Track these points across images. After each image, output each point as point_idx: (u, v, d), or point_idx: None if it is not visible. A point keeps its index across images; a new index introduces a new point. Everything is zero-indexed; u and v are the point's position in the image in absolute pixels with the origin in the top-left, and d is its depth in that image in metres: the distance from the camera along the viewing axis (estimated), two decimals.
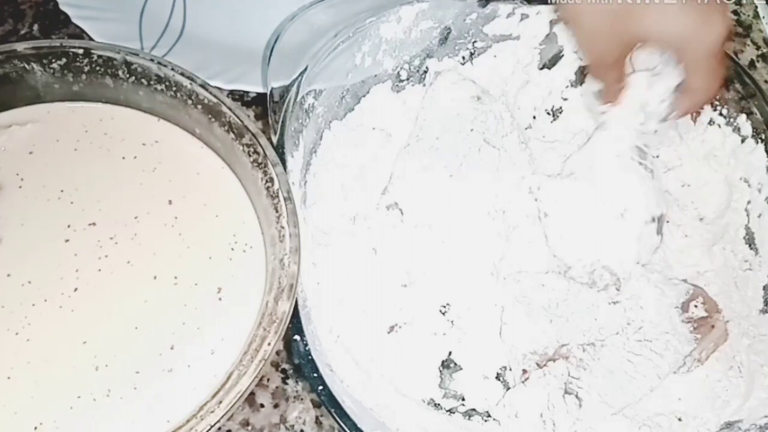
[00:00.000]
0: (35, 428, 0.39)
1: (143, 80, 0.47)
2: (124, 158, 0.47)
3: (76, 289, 0.43)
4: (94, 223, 0.45)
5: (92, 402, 0.40)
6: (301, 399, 0.48)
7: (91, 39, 0.57)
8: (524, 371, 0.47)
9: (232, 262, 0.45)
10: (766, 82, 0.64)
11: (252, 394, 0.47)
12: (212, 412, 0.37)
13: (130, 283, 0.43)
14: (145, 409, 0.40)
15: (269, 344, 0.39)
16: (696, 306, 0.47)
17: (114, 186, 0.46)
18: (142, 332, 0.42)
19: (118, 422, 0.40)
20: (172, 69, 0.46)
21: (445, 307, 0.49)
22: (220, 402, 0.38)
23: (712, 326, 0.46)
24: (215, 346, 0.42)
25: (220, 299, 0.43)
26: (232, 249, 0.45)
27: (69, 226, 0.44)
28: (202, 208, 0.46)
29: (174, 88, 0.47)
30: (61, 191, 0.45)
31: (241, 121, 0.45)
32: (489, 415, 0.47)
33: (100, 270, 0.43)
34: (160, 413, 0.40)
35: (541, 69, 0.56)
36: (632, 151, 0.49)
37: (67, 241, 0.44)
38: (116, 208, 0.45)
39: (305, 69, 0.47)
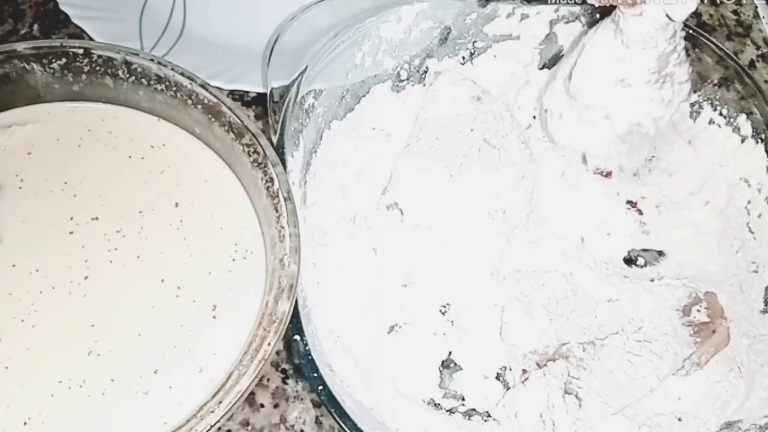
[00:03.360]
0: (24, 423, 0.39)
1: (143, 80, 0.47)
2: (130, 157, 0.47)
3: (86, 277, 0.43)
4: (96, 218, 0.45)
5: (67, 390, 0.40)
6: (301, 399, 0.48)
7: (91, 39, 0.57)
8: (524, 371, 0.47)
9: (230, 274, 0.44)
10: (766, 82, 0.64)
11: (252, 394, 0.47)
12: (212, 412, 0.37)
13: (141, 280, 0.43)
14: (113, 414, 0.40)
15: (269, 344, 0.39)
16: (699, 310, 0.47)
17: (118, 182, 0.46)
18: (141, 341, 0.42)
19: (91, 420, 0.39)
20: (172, 69, 0.46)
21: (445, 307, 0.49)
22: (220, 402, 0.38)
23: (713, 331, 0.46)
24: (204, 363, 0.41)
25: (214, 317, 0.43)
26: (233, 260, 0.45)
27: (72, 219, 0.44)
28: (209, 219, 0.46)
29: (174, 88, 0.47)
30: (65, 183, 0.46)
31: (241, 121, 0.45)
32: (489, 415, 0.47)
33: (111, 261, 0.43)
34: (130, 421, 0.40)
35: (541, 69, 0.56)
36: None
37: (71, 233, 0.44)
38: (119, 203, 0.45)
39: (305, 69, 0.47)
